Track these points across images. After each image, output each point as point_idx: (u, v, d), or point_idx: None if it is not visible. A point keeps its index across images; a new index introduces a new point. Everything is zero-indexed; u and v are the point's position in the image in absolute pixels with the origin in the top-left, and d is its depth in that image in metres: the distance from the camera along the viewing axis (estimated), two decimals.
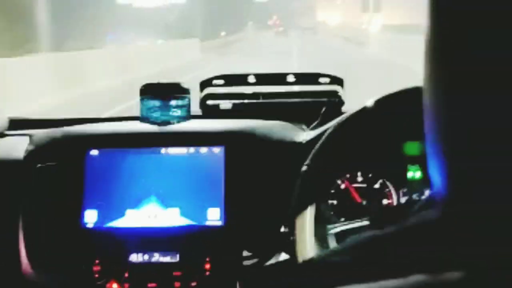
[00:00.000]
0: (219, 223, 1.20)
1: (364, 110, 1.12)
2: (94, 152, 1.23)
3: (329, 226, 1.16)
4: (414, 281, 0.37)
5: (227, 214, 1.20)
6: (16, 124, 1.50)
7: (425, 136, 0.44)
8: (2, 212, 1.22)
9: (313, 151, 1.09)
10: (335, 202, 1.20)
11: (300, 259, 1.04)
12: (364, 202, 1.20)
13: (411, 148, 1.21)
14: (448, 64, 0.39)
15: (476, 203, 0.39)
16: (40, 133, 1.36)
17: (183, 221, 1.20)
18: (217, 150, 1.23)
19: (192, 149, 1.23)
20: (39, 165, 1.24)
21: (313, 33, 48.16)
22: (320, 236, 1.11)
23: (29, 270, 1.18)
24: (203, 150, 1.23)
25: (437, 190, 0.42)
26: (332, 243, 1.15)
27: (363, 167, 1.21)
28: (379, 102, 1.12)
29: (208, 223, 1.20)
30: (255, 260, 1.17)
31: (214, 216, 1.20)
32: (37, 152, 1.26)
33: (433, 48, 0.40)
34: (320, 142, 1.09)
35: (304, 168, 1.07)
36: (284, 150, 1.24)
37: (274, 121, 1.34)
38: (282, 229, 1.13)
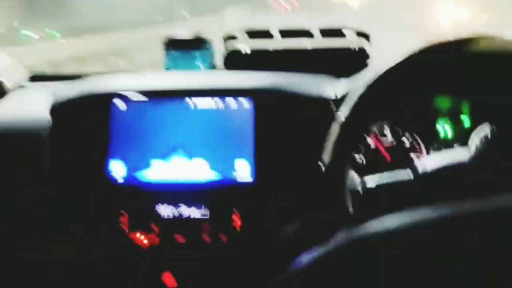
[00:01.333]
0: (248, 177, 1.17)
1: (395, 65, 1.09)
2: (119, 103, 1.21)
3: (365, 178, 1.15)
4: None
5: (257, 168, 1.17)
6: (37, 79, 1.48)
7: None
8: (30, 164, 1.21)
9: (350, 102, 1.06)
10: (361, 157, 1.19)
11: (336, 213, 1.02)
12: (393, 159, 1.19)
13: (441, 103, 1.19)
14: None
15: None
16: (63, 86, 1.34)
17: (212, 175, 1.18)
18: (246, 101, 1.20)
19: (219, 100, 1.20)
20: (63, 117, 1.23)
21: None
22: (355, 190, 1.10)
23: (61, 221, 1.17)
24: (231, 101, 1.20)
25: None
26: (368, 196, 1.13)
27: (392, 122, 1.19)
28: (415, 56, 1.09)
29: (237, 177, 1.17)
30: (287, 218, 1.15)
31: (243, 170, 1.17)
32: (61, 104, 1.25)
33: None
34: (357, 94, 1.07)
35: (341, 118, 1.05)
36: (315, 104, 1.21)
37: (303, 74, 1.32)
38: (315, 185, 1.12)
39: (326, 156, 1.06)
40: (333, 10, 35.40)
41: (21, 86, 1.41)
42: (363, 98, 1.05)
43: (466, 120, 1.19)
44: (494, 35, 1.06)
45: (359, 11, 33.93)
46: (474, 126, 1.18)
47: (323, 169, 1.06)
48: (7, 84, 1.41)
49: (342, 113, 1.07)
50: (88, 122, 1.21)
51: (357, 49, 1.43)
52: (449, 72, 1.11)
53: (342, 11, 34.79)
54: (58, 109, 1.23)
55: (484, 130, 1.18)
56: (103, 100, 1.21)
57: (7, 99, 1.34)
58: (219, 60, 1.46)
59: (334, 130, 1.06)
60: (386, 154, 1.18)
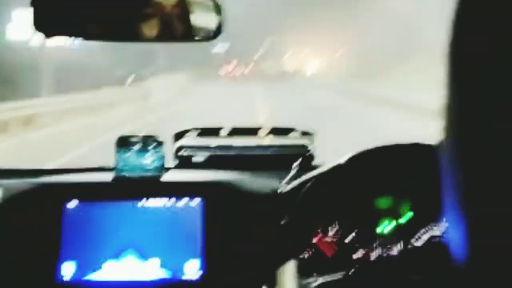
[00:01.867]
0: (198, 275, 1.20)
1: (338, 167, 1.17)
2: (72, 204, 1.24)
3: (309, 279, 1.19)
4: None
5: (206, 266, 1.21)
6: None
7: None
8: None
9: (293, 205, 1.13)
10: (306, 256, 1.24)
11: None
12: (336, 256, 1.24)
13: (382, 203, 1.27)
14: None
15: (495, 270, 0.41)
16: (15, 183, 1.35)
17: (162, 274, 1.20)
18: (196, 202, 1.25)
19: (170, 201, 1.25)
20: (13, 216, 1.23)
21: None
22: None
23: None
24: (181, 202, 1.25)
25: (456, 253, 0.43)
26: None
27: (337, 221, 1.25)
28: (352, 160, 1.18)
29: (188, 275, 1.20)
30: None
31: (193, 269, 1.20)
32: (11, 203, 1.26)
33: (451, 115, 0.42)
34: (299, 196, 1.13)
35: (284, 221, 1.11)
36: (262, 201, 1.27)
37: (249, 173, 1.38)
38: (263, 285, 1.16)
39: (272, 255, 1.11)
40: (285, 77, 37.37)
41: None
42: (304, 202, 1.12)
43: (407, 218, 1.26)
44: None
45: (310, 79, 35.43)
46: (414, 225, 1.26)
47: (269, 267, 1.10)
48: None
49: (290, 214, 1.13)
50: (39, 221, 1.22)
51: (300, 148, 1.51)
52: (390, 175, 1.20)
53: (293, 78, 36.85)
54: (8, 206, 1.24)
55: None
56: (55, 200, 1.23)
57: None
58: (169, 158, 1.50)
59: (282, 230, 1.11)
60: (329, 251, 1.24)
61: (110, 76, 20.81)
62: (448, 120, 0.43)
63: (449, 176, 0.43)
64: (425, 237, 1.25)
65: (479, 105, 0.40)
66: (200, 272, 1.20)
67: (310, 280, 1.19)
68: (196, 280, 1.20)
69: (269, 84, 30.92)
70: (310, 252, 1.23)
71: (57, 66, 16.61)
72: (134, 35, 1.04)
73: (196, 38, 1.07)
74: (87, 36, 1.09)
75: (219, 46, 48.00)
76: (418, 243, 1.25)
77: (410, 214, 1.26)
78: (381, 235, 1.25)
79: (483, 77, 0.40)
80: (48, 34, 1.05)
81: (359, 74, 26.91)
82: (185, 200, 1.25)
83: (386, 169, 1.21)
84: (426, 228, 1.25)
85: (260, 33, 46.40)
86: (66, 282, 1.19)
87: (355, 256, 1.24)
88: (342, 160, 1.21)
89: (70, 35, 1.08)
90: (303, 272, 1.20)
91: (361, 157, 1.20)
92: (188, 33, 1.05)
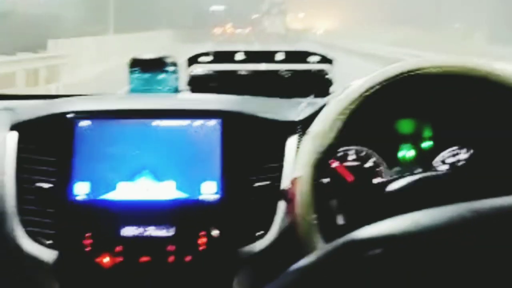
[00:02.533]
0: (215, 196, 1.18)
1: (357, 90, 1.12)
2: (84, 123, 1.20)
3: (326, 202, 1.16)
4: None
5: (224, 187, 1.18)
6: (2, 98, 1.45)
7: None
8: None
9: (316, 127, 1.08)
10: (326, 180, 1.21)
11: (301, 222, 1.03)
12: (356, 181, 1.21)
13: (404, 126, 1.23)
14: None
15: None
16: (24, 105, 1.32)
17: (178, 195, 1.17)
18: (214, 122, 1.21)
19: (186, 121, 1.21)
20: (26, 137, 1.21)
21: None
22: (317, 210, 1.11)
23: (25, 244, 1.15)
24: (198, 122, 1.21)
25: None
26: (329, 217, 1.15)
27: (356, 145, 1.22)
28: (371, 81, 1.13)
29: (204, 196, 1.17)
30: (251, 235, 1.16)
31: (210, 190, 1.18)
32: (23, 125, 1.23)
33: None
34: (322, 119, 1.09)
35: (305, 136, 1.07)
36: (280, 125, 1.23)
37: (266, 98, 1.34)
38: (278, 203, 1.13)
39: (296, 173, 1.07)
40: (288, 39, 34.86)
41: None
42: (328, 123, 1.07)
43: (428, 143, 1.23)
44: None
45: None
46: (436, 149, 1.22)
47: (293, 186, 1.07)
48: None
49: (309, 137, 1.09)
50: (53, 142, 1.19)
51: (320, 74, 1.46)
52: (412, 96, 1.15)
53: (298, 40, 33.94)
54: (21, 129, 1.22)
55: (450, 154, 1.22)
56: (68, 121, 1.20)
57: None
58: (183, 82, 1.47)
59: (301, 151, 1.08)
60: (349, 175, 1.21)
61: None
62: None
63: None
64: (449, 160, 1.22)
65: None
66: (217, 194, 1.18)
67: (329, 203, 1.17)
68: (213, 202, 1.18)
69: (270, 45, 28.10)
70: (329, 178, 1.20)
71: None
72: None
73: None
74: None
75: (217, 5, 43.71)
76: (442, 167, 1.22)
77: (432, 138, 1.22)
78: (403, 160, 1.22)
79: None
80: None
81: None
82: (202, 120, 1.21)
83: (407, 91, 1.16)
84: (450, 152, 1.22)
85: None
86: (80, 201, 1.17)
87: (375, 181, 1.21)
88: (359, 83, 1.17)
89: None
90: (322, 196, 1.17)
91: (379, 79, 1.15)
92: None
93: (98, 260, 1.14)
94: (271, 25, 39.65)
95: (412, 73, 1.05)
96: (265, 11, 41.53)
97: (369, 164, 1.22)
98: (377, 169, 1.21)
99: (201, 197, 1.18)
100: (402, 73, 1.05)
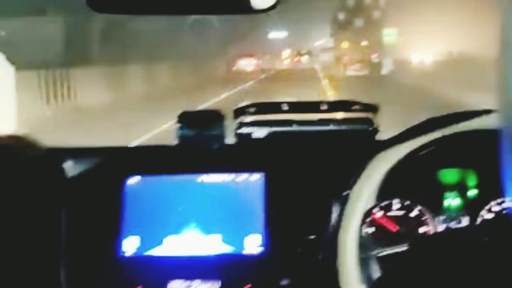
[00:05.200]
0: (260, 250, 1.19)
1: (399, 142, 1.12)
2: (134, 179, 1.25)
3: (370, 252, 1.16)
4: None
5: (268, 241, 1.20)
6: (52, 152, 1.51)
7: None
8: (42, 241, 1.23)
9: (355, 178, 1.09)
10: (370, 230, 1.21)
11: (343, 283, 1.03)
12: (401, 230, 1.20)
13: (448, 175, 1.22)
14: None
15: None
16: (77, 161, 1.38)
17: (224, 249, 1.20)
18: (257, 176, 1.24)
19: (231, 175, 1.24)
20: (77, 193, 1.26)
21: None
22: (361, 261, 1.11)
23: None
24: (243, 176, 1.24)
25: None
26: (374, 268, 1.14)
27: (401, 195, 1.21)
28: (412, 132, 1.12)
29: (249, 250, 1.19)
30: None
31: (255, 243, 1.20)
32: (75, 181, 1.28)
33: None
34: (361, 171, 1.10)
35: (347, 192, 1.07)
36: (324, 177, 1.24)
37: (311, 149, 1.35)
38: (322, 255, 1.14)
39: (338, 229, 1.08)
40: None
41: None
42: (370, 178, 1.07)
43: (474, 192, 1.21)
44: None
45: None
46: (483, 197, 1.20)
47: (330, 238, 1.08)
48: None
49: (354, 192, 1.09)
50: (102, 197, 1.24)
51: (364, 122, 1.46)
52: (454, 146, 1.15)
53: None
54: (73, 185, 1.27)
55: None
56: (117, 176, 1.25)
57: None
58: (230, 134, 1.49)
59: (345, 206, 1.08)
60: (393, 226, 1.20)
61: None
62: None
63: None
64: (496, 209, 1.19)
65: None
66: (262, 248, 1.19)
67: (373, 253, 1.16)
68: (258, 255, 1.19)
69: None
70: (373, 228, 1.19)
71: None
72: (187, 8, 1.01)
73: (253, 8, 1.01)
74: (139, 11, 1.08)
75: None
76: (488, 216, 1.20)
77: (477, 186, 1.20)
78: (448, 209, 1.20)
79: None
80: (101, 11, 1.02)
81: None
82: (246, 174, 1.24)
83: (449, 139, 1.15)
84: (496, 201, 1.20)
85: None
86: (128, 257, 1.20)
87: (421, 230, 1.20)
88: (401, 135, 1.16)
89: (122, 11, 1.06)
90: (365, 247, 1.17)
91: (423, 127, 1.14)
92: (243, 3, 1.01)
93: None
94: None
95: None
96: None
97: (414, 213, 1.21)
98: (422, 218, 1.20)
99: (246, 251, 1.19)
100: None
